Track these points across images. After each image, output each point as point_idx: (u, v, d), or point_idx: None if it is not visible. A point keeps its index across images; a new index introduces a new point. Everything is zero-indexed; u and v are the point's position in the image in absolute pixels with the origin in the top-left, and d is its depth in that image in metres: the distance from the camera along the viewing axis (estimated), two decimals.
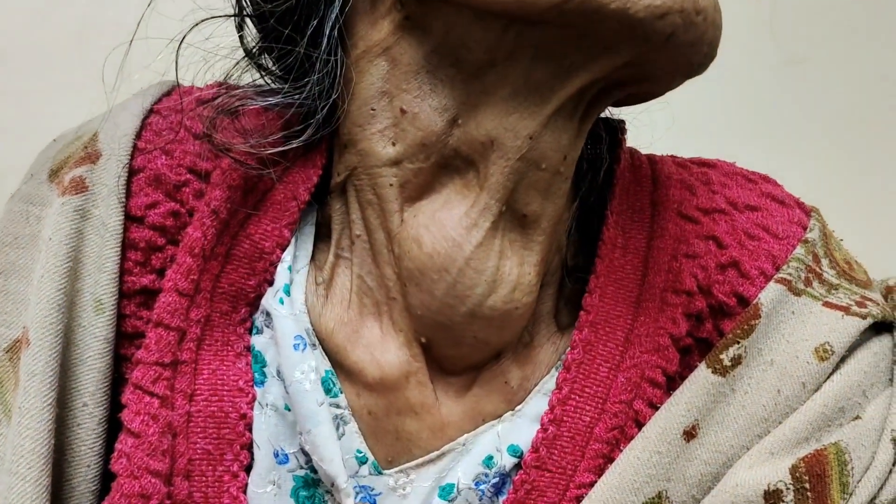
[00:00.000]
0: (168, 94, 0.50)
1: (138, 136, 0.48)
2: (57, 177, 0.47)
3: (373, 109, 0.44)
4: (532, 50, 0.40)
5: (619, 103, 0.48)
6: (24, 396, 0.42)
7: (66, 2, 0.85)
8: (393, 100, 0.44)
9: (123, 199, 0.46)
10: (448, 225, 0.44)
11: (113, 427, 0.46)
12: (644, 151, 0.54)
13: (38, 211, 0.47)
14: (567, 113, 0.43)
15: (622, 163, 0.51)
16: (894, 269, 0.55)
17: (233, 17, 0.47)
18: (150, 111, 0.49)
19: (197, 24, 0.45)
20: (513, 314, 0.45)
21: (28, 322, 0.43)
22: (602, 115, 0.51)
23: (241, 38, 0.47)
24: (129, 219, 0.46)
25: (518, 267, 0.45)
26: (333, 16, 0.43)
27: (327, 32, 0.43)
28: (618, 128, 0.52)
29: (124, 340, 0.46)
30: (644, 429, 0.46)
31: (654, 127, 0.55)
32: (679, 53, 0.39)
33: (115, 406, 0.46)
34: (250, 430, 0.46)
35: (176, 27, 0.45)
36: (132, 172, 0.47)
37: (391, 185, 0.45)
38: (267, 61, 0.49)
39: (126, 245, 0.46)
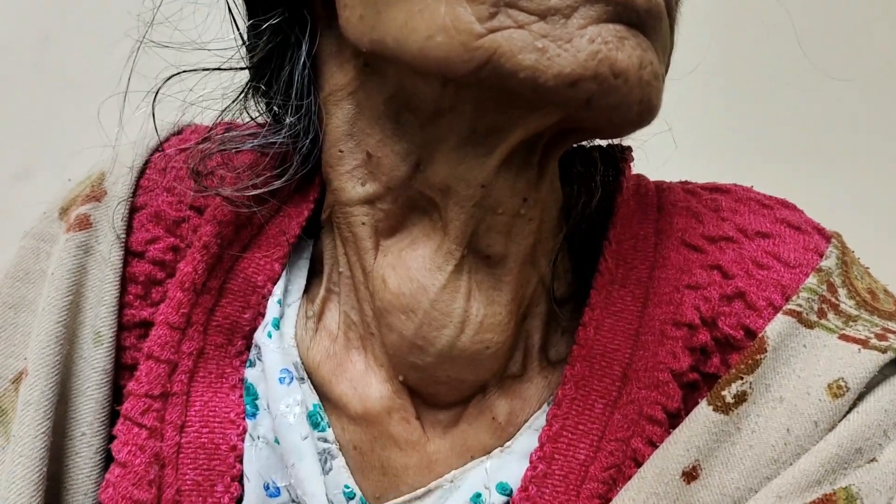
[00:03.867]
0: (178, 133, 0.52)
1: (142, 174, 0.50)
2: (66, 214, 0.50)
3: (340, 151, 0.45)
4: (472, 104, 0.39)
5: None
6: (19, 425, 0.43)
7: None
8: (359, 143, 0.44)
9: (123, 235, 0.48)
10: (412, 266, 0.44)
11: (112, 459, 0.47)
12: (655, 177, 0.52)
13: (48, 247, 0.49)
14: (520, 160, 0.42)
15: (625, 191, 0.49)
16: None
17: (210, 70, 0.49)
18: (156, 150, 0.51)
19: (173, 76, 0.47)
20: (484, 353, 0.44)
21: (29, 354, 0.45)
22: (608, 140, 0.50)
23: (250, 86, 0.48)
24: (130, 254, 0.48)
25: (487, 307, 0.44)
26: (302, 60, 0.44)
27: (297, 76, 0.44)
28: (620, 155, 0.50)
29: (125, 372, 0.48)
30: (641, 468, 0.44)
31: (667, 149, 0.52)
32: (606, 115, 0.37)
33: (113, 438, 0.47)
34: (241, 462, 0.47)
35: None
36: (135, 209, 0.49)
37: (363, 223, 0.45)
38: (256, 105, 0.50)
39: (126, 279, 0.48)
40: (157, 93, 0.46)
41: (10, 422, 0.45)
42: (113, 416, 0.47)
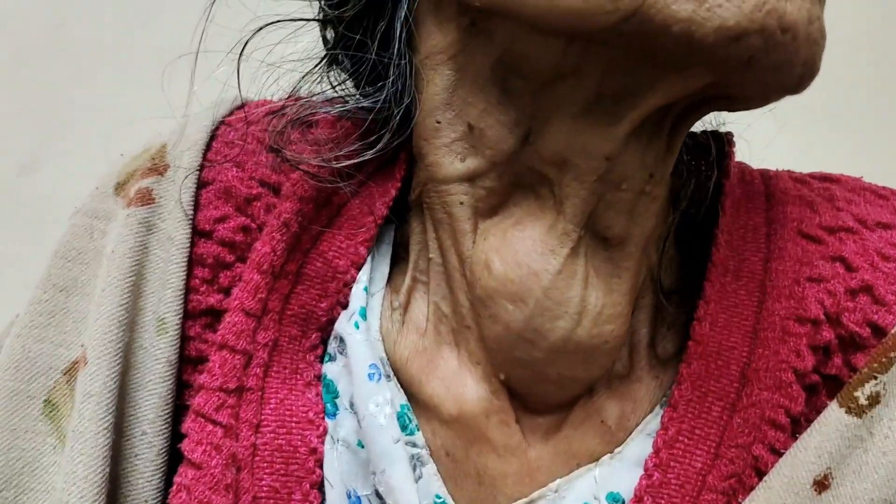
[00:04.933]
0: (240, 107, 0.48)
1: (208, 147, 0.45)
2: (123, 190, 0.45)
3: (438, 122, 0.40)
4: (601, 67, 0.35)
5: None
6: (79, 419, 0.38)
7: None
8: (459, 113, 0.40)
9: (191, 213, 0.43)
10: (521, 249, 0.40)
11: (173, 460, 0.42)
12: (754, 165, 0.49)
13: (103, 225, 0.44)
14: (650, 130, 0.38)
15: (731, 178, 0.46)
16: None
17: (299, 23, 0.45)
18: (221, 123, 0.47)
19: (261, 28, 0.42)
20: (601, 348, 0.40)
21: (86, 340, 0.40)
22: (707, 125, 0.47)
23: (323, 37, 0.44)
24: (197, 233, 0.44)
25: (606, 296, 0.40)
26: (402, 14, 0.40)
27: (398, 33, 0.40)
28: (725, 139, 0.47)
29: (187, 366, 0.43)
30: (766, 478, 0.40)
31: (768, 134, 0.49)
32: (766, 77, 0.33)
33: (175, 437, 0.42)
34: (321, 467, 0.42)
35: (235, 38, 0.43)
36: (201, 185, 0.44)
37: (462, 203, 0.41)
38: (337, 72, 0.45)
39: (193, 261, 0.43)
40: (243, 48, 0.41)
41: (63, 418, 0.40)
42: (175, 414, 0.42)
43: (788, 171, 0.49)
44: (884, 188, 0.48)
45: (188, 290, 0.43)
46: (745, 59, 0.32)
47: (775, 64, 0.32)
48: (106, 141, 0.47)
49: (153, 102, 0.46)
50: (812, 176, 0.49)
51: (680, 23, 0.31)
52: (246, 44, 0.41)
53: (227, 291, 0.43)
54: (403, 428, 0.42)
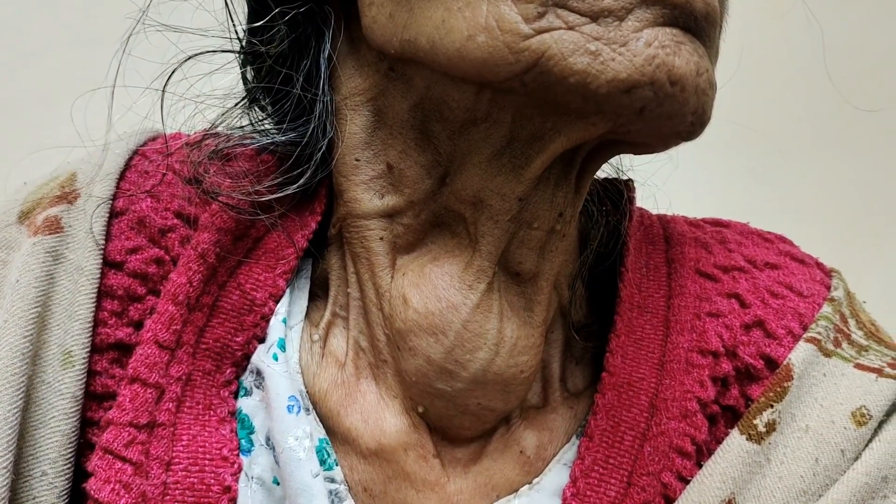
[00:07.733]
0: (153, 139, 0.47)
1: (122, 177, 0.44)
2: (28, 218, 0.43)
3: (357, 160, 0.42)
4: (510, 113, 0.37)
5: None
6: None
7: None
8: (378, 153, 0.41)
9: (102, 243, 0.42)
10: (440, 285, 0.41)
11: (73, 502, 0.39)
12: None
13: (4, 255, 0.42)
14: (558, 172, 0.40)
15: (634, 220, 0.48)
16: None
17: (222, 60, 0.45)
18: (135, 153, 0.45)
19: (189, 58, 0.42)
20: (518, 378, 0.41)
21: None
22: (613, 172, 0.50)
23: (244, 77, 0.44)
24: (107, 264, 0.42)
25: (520, 328, 0.41)
26: (327, 53, 0.41)
27: (322, 71, 0.41)
28: (626, 185, 0.50)
29: (91, 402, 0.41)
30: None
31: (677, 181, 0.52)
32: (658, 124, 0.35)
33: (77, 477, 0.40)
34: None
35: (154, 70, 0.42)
36: (113, 215, 0.43)
37: (381, 238, 0.42)
38: (256, 112, 0.46)
39: (102, 293, 0.41)
40: (168, 77, 0.41)
41: None
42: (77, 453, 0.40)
43: (683, 216, 0.53)
44: (768, 232, 0.52)
45: (96, 322, 0.41)
46: (637, 109, 0.33)
47: (667, 113, 0.34)
48: (7, 169, 0.45)
49: (56, 132, 0.44)
50: (704, 220, 0.52)
51: (576, 75, 0.33)
52: (171, 75, 0.41)
53: (136, 325, 0.42)
54: (322, 462, 0.41)
